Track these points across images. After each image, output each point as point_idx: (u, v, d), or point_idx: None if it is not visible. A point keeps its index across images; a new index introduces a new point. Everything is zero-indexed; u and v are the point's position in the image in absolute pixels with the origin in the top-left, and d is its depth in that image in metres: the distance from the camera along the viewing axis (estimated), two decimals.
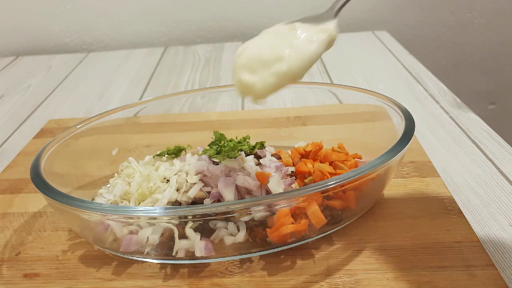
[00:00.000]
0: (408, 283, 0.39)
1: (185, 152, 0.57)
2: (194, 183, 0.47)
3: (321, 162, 0.51)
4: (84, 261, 0.45)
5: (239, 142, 0.55)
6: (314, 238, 0.44)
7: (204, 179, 0.48)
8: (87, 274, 0.43)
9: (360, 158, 0.52)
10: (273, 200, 0.39)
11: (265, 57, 0.39)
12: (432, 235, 0.44)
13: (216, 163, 0.50)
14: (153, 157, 0.56)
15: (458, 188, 0.53)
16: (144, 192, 0.47)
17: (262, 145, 0.56)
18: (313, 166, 0.49)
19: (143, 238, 0.42)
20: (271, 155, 0.53)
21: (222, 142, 0.53)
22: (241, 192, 0.47)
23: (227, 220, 0.43)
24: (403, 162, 0.56)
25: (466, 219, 0.46)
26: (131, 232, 0.42)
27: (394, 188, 0.51)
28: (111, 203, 0.48)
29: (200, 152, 0.52)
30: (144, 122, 0.61)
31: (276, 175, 0.46)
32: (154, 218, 0.40)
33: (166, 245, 0.42)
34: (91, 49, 1.27)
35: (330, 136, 0.57)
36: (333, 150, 0.53)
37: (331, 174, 0.48)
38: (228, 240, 0.42)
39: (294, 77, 0.40)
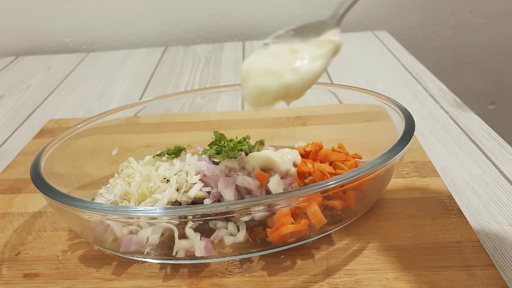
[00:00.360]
0: (408, 283, 0.39)
1: (185, 152, 0.57)
2: (194, 183, 0.47)
3: (321, 162, 0.51)
4: (84, 261, 0.45)
5: (239, 142, 0.55)
6: (314, 238, 0.44)
7: (204, 179, 0.48)
8: (87, 274, 0.43)
9: (360, 158, 0.52)
10: (273, 200, 0.39)
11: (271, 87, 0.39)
12: (432, 235, 0.44)
13: (216, 163, 0.50)
14: (153, 157, 0.56)
15: (458, 188, 0.53)
16: (144, 192, 0.47)
17: (261, 143, 0.56)
18: (313, 166, 0.49)
19: (143, 238, 0.42)
20: None
21: (222, 142, 0.53)
22: (241, 192, 0.47)
23: (227, 220, 0.43)
24: (403, 162, 0.56)
25: (466, 219, 0.46)
26: (131, 232, 0.42)
27: (394, 188, 0.51)
28: (111, 203, 0.48)
29: (200, 152, 0.52)
30: (144, 122, 0.61)
31: (276, 175, 0.46)
32: (154, 218, 0.40)
33: (166, 245, 0.42)
34: (91, 49, 1.27)
35: (330, 136, 0.57)
36: (333, 150, 0.53)
37: (331, 174, 0.48)
38: (228, 240, 0.43)
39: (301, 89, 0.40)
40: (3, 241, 0.48)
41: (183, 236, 0.42)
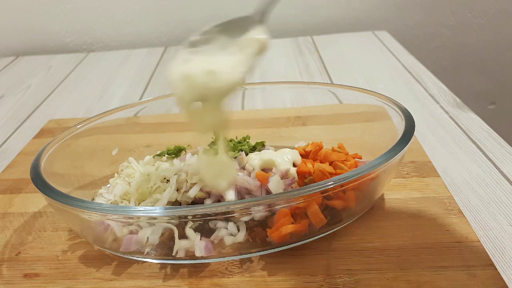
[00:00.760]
0: (408, 283, 0.39)
1: (185, 152, 0.57)
2: (194, 183, 0.47)
3: (321, 162, 0.51)
4: (84, 261, 0.45)
5: (239, 142, 0.55)
6: (314, 238, 0.44)
7: None
8: (87, 274, 0.43)
9: (360, 158, 0.52)
10: (273, 200, 0.39)
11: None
12: (432, 235, 0.44)
13: None
14: (153, 157, 0.56)
15: (458, 188, 0.53)
16: (144, 192, 0.47)
17: (262, 145, 0.56)
18: (313, 166, 0.49)
19: (143, 238, 0.42)
20: None
21: None
22: (241, 192, 0.47)
23: (227, 220, 0.43)
24: (403, 162, 0.56)
25: (466, 219, 0.46)
26: (131, 232, 0.42)
27: (394, 188, 0.51)
28: (111, 203, 0.48)
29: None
30: (144, 122, 0.61)
31: (276, 175, 0.46)
32: (154, 218, 0.40)
33: (166, 245, 0.42)
34: (91, 49, 1.27)
35: (330, 136, 0.57)
36: (333, 150, 0.53)
37: (331, 174, 0.48)
38: (228, 240, 0.43)
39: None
40: (3, 241, 0.48)
41: (183, 236, 0.42)
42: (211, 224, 0.44)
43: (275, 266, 0.42)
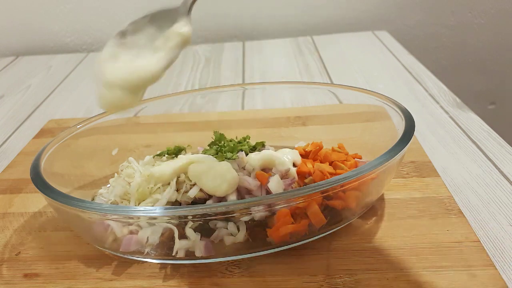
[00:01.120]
0: (408, 283, 0.39)
1: (185, 152, 0.57)
2: (194, 183, 0.47)
3: (321, 162, 0.51)
4: (84, 261, 0.45)
5: (239, 142, 0.55)
6: (314, 238, 0.44)
7: None
8: (87, 274, 0.43)
9: (360, 158, 0.52)
10: (273, 200, 0.39)
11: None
12: (432, 235, 0.44)
13: None
14: (153, 157, 0.56)
15: (458, 188, 0.53)
16: (144, 192, 0.47)
17: (262, 145, 0.56)
18: (313, 166, 0.49)
19: (143, 238, 0.42)
20: None
21: (222, 142, 0.53)
22: (241, 192, 0.47)
23: (227, 220, 0.43)
24: (403, 162, 0.56)
25: (466, 219, 0.46)
26: (131, 232, 0.42)
27: (394, 188, 0.51)
28: (111, 203, 0.48)
29: (200, 152, 0.52)
30: (144, 122, 0.61)
31: (276, 175, 0.46)
32: (154, 218, 0.40)
33: (166, 245, 0.42)
34: (91, 49, 1.26)
35: (330, 136, 0.57)
36: (333, 150, 0.53)
37: (331, 174, 0.48)
38: (228, 240, 0.43)
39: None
40: (3, 241, 0.48)
41: (183, 236, 0.42)
42: (211, 224, 0.43)
43: (275, 266, 0.42)
